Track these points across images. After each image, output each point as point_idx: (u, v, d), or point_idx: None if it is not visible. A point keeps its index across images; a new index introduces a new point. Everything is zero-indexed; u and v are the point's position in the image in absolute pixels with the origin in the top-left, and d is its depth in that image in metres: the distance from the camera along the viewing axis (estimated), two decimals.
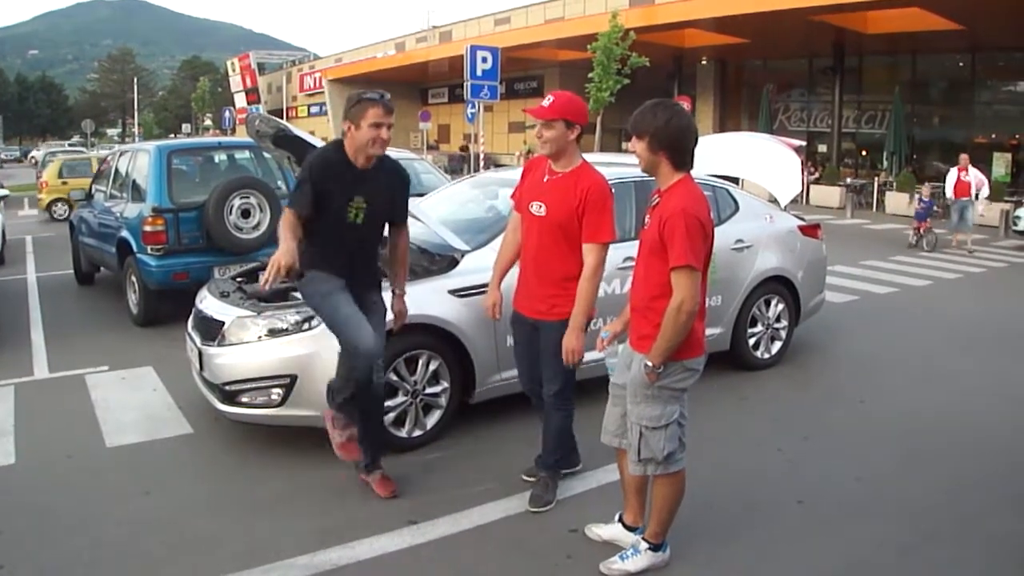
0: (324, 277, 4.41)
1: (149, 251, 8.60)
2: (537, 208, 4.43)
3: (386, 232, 4.70)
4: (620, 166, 6.48)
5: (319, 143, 5.63)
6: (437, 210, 6.65)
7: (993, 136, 27.78)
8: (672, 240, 3.48)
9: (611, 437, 4.05)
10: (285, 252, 4.05)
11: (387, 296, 4.72)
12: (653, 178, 3.75)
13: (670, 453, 3.72)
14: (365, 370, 4.39)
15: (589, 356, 4.42)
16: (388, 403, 5.26)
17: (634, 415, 3.75)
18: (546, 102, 4.32)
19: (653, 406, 3.69)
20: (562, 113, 4.28)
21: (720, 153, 7.86)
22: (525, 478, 4.95)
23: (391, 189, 4.51)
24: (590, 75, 26.67)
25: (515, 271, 4.72)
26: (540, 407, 4.83)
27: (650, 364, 3.60)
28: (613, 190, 4.52)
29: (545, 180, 4.43)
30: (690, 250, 3.46)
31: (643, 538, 3.94)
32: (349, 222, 4.34)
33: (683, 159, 3.63)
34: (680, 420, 3.77)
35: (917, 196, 17.41)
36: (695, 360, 3.73)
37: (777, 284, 7.40)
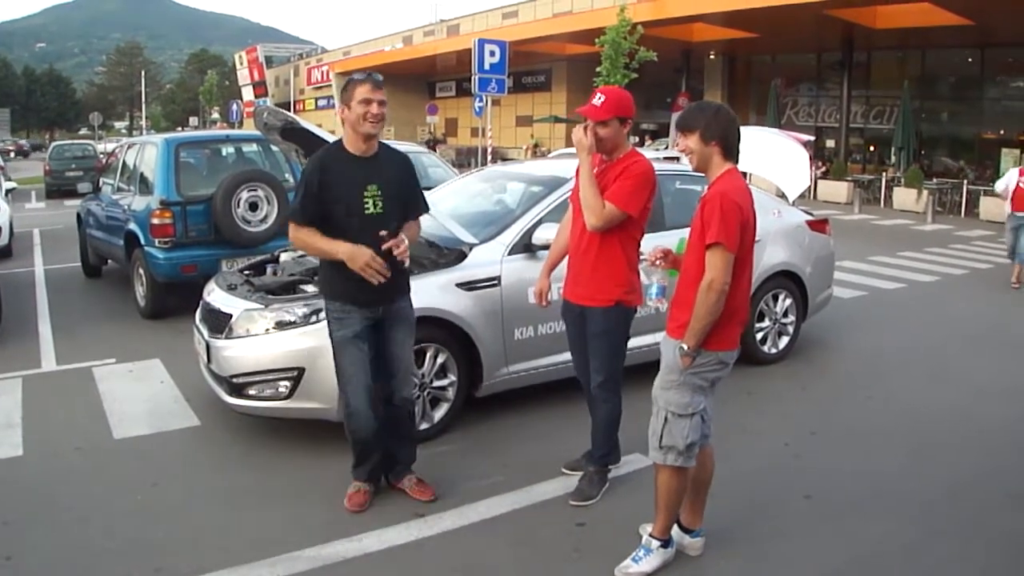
0: (339, 315, 4.36)
1: (157, 244, 8.61)
2: None
3: None
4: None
5: (327, 135, 5.62)
6: (445, 203, 6.64)
7: (1002, 132, 27.71)
8: (709, 220, 3.55)
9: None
10: (359, 253, 4.12)
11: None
12: (679, 172, 3.80)
13: (691, 444, 3.73)
14: (362, 431, 4.44)
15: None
16: None
17: (662, 400, 3.77)
18: (597, 101, 4.34)
19: (682, 393, 3.72)
20: (615, 111, 4.32)
21: None
22: (565, 471, 4.95)
23: (400, 174, 4.42)
24: (598, 69, 26.56)
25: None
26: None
27: (685, 347, 3.63)
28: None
29: (595, 171, 4.46)
30: (723, 229, 3.52)
31: (652, 535, 3.91)
32: (368, 214, 4.23)
33: (732, 149, 3.73)
34: (704, 415, 3.78)
35: None
36: (729, 353, 3.77)
37: (785, 279, 7.38)
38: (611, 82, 26.00)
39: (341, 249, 4.15)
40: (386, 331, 4.47)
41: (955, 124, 29.85)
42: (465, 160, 37.84)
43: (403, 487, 4.70)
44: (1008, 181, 12.01)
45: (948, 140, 30.01)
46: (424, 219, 5.65)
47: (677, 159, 4.43)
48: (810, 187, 24.03)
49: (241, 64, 79.82)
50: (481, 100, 24.51)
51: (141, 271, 9.03)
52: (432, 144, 41.77)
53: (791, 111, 33.60)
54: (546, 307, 4.89)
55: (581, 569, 3.96)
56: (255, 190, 8.72)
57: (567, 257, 4.71)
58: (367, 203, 4.23)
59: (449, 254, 5.68)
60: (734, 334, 3.76)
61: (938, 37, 26.22)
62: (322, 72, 61.74)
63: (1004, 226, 12.09)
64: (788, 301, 7.43)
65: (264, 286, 5.73)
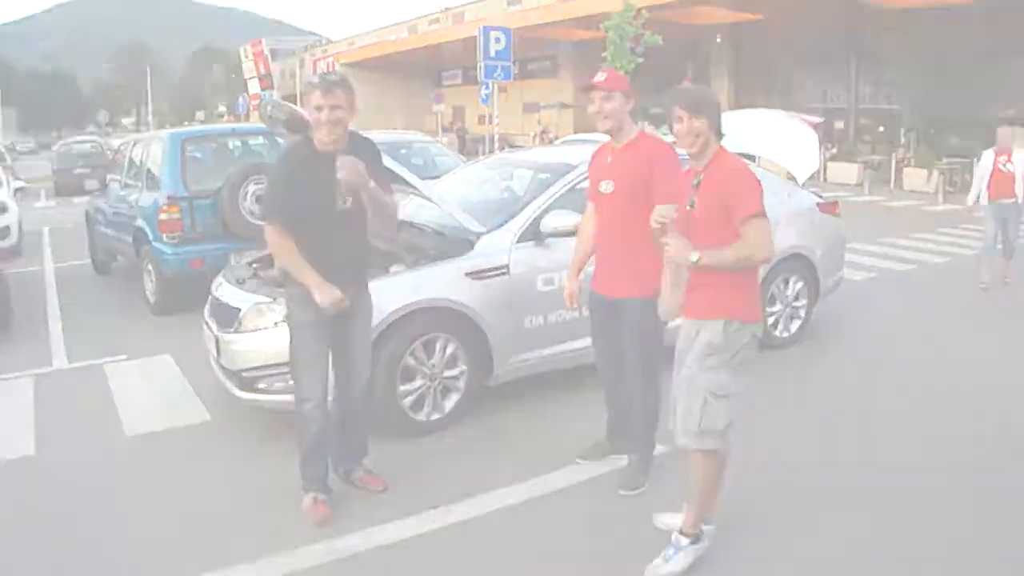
0: (302, 298, 4.21)
1: (165, 239, 8.61)
2: (606, 186, 4.46)
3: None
4: None
5: None
6: (452, 192, 6.61)
7: (1012, 111, 27.45)
8: (739, 195, 3.56)
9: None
10: (329, 292, 4.08)
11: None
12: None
13: (727, 426, 3.70)
14: (314, 425, 4.36)
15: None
16: (407, 387, 5.27)
17: (701, 381, 3.67)
18: (600, 76, 4.39)
19: (721, 373, 3.67)
20: (619, 85, 4.39)
21: (737, 130, 7.76)
22: (579, 460, 4.92)
23: (367, 164, 4.27)
24: (603, 54, 26.46)
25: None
26: (611, 389, 4.81)
27: (697, 255, 3.56)
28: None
29: (609, 160, 4.48)
30: (757, 199, 3.55)
31: (682, 533, 3.82)
32: (339, 210, 4.19)
33: (721, 131, 3.75)
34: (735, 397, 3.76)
35: None
36: (759, 326, 3.79)
37: (796, 262, 7.30)
38: (618, 67, 25.92)
39: (311, 280, 4.11)
40: (344, 321, 4.37)
41: (965, 103, 29.61)
42: (472, 148, 37.75)
43: (353, 480, 4.68)
44: (984, 165, 10.20)
45: (958, 120, 29.78)
46: (431, 208, 5.60)
47: None
48: (820, 169, 23.90)
49: (246, 57, 79.50)
50: (487, 87, 24.42)
51: (150, 267, 9.04)
52: (461, 132, 41.89)
53: (799, 93, 33.40)
54: (575, 308, 4.81)
55: (594, 556, 3.94)
56: (262, 183, 8.69)
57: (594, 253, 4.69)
58: (337, 200, 4.18)
59: (457, 243, 5.66)
60: (759, 308, 3.82)
61: (947, 15, 26.02)
62: (327, 64, 61.47)
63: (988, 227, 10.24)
64: (799, 284, 7.36)
65: (273, 279, 5.72)
